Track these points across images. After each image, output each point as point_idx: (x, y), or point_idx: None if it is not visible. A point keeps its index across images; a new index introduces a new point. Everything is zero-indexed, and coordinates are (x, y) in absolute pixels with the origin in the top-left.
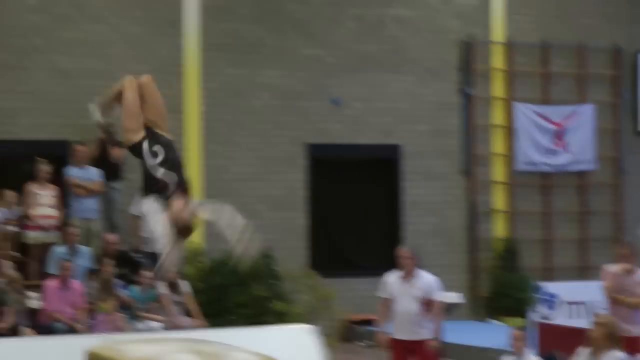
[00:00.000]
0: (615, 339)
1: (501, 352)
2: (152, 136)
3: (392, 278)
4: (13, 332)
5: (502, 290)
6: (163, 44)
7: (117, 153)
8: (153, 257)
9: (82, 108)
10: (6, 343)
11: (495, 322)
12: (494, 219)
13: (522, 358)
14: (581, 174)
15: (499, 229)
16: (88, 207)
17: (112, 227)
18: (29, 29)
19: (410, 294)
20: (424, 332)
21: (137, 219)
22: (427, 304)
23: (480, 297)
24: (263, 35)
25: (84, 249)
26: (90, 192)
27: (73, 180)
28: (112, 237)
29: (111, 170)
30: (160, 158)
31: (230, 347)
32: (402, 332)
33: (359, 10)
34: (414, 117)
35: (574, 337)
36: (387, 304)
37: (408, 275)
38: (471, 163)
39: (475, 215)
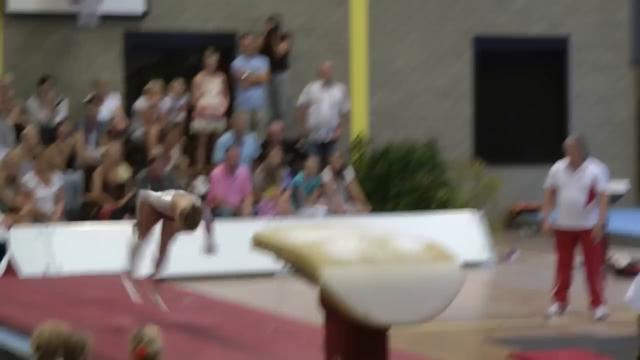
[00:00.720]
0: None
1: None
2: None
3: (559, 167)
4: None
5: None
6: None
7: (283, 45)
8: (317, 145)
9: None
10: None
11: None
12: None
13: None
14: None
15: None
16: (254, 97)
17: (277, 116)
18: None
19: (577, 183)
20: (588, 221)
21: (303, 108)
22: (593, 194)
23: None
24: None
25: (250, 137)
26: (257, 82)
27: (240, 71)
28: (277, 125)
29: (277, 61)
30: None
31: (394, 233)
32: (567, 220)
33: None
34: (583, 9)
35: None
36: (553, 193)
37: (575, 165)
38: None
39: None
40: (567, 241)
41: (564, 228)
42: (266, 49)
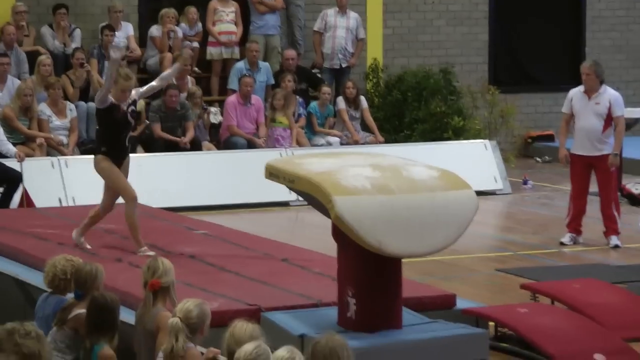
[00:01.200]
0: None
1: None
2: None
3: (574, 94)
4: (194, 146)
5: None
6: None
7: None
8: (332, 72)
9: None
10: (189, 157)
11: None
12: None
13: None
14: None
15: None
16: (269, 24)
17: (293, 43)
18: None
19: (592, 109)
20: (604, 148)
21: (318, 35)
22: (609, 120)
23: None
24: None
25: (264, 65)
26: (272, 8)
27: None
28: (292, 53)
29: None
30: None
31: (408, 161)
32: (582, 147)
33: None
34: None
35: None
36: (568, 120)
37: (590, 91)
38: None
39: None
40: (583, 169)
41: (579, 155)
42: None
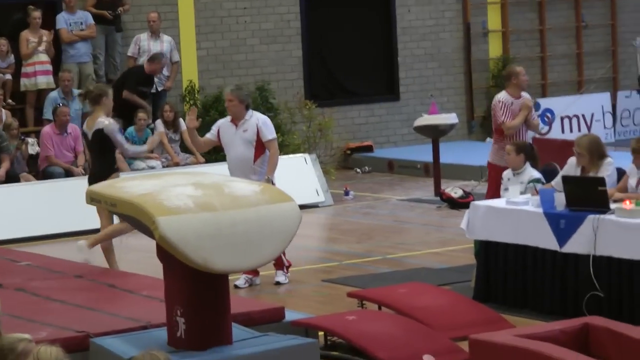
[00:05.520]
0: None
1: None
2: None
3: (221, 123)
4: (10, 178)
5: None
6: None
7: None
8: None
9: None
10: (6, 189)
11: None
12: (489, 39)
13: (522, 171)
14: None
15: (494, 49)
16: (81, 51)
17: (112, 68)
18: None
19: (241, 138)
20: (259, 178)
21: (133, 59)
22: (260, 147)
23: (478, 118)
24: None
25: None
26: (86, 37)
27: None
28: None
29: (110, 16)
30: None
31: (229, 178)
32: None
33: None
34: None
35: (568, 149)
36: (208, 143)
37: (237, 119)
38: None
39: (470, 36)
40: None
41: None
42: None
